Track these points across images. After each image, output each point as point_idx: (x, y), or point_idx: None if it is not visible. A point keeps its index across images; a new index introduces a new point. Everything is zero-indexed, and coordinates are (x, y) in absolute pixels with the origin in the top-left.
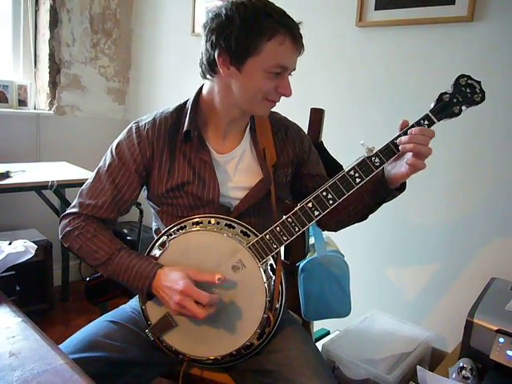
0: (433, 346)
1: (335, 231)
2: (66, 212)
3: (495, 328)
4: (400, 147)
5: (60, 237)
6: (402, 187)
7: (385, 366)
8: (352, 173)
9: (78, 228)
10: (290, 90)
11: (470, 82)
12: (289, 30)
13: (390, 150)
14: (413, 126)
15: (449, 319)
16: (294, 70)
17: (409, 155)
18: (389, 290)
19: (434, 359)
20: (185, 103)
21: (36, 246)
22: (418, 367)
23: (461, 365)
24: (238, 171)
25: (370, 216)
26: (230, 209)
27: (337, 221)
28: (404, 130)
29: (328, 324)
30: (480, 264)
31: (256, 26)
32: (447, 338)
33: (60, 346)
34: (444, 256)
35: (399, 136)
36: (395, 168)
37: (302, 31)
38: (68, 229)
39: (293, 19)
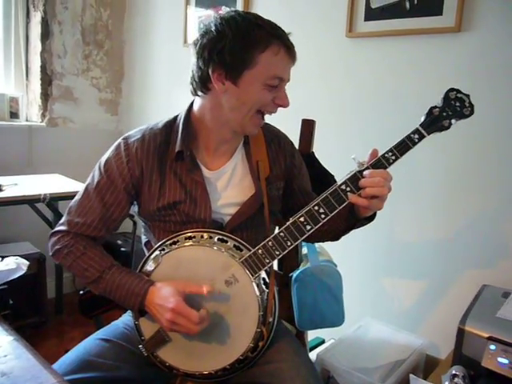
0: (427, 354)
1: (312, 243)
2: (55, 230)
3: (486, 335)
4: (361, 192)
5: (50, 254)
6: (371, 217)
7: (379, 374)
8: (343, 187)
9: (67, 246)
10: (287, 101)
11: (459, 95)
12: (282, 40)
13: (381, 164)
14: (403, 141)
15: (442, 326)
16: (289, 80)
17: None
18: (383, 298)
19: (429, 366)
20: (174, 119)
21: (28, 263)
22: (411, 375)
23: (453, 372)
24: (229, 186)
25: (365, 226)
26: (223, 224)
27: (308, 237)
28: (394, 145)
29: (323, 333)
30: (472, 271)
31: (249, 37)
32: (441, 345)
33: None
34: (437, 264)
35: (390, 150)
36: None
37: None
38: (57, 247)
39: (283, 30)
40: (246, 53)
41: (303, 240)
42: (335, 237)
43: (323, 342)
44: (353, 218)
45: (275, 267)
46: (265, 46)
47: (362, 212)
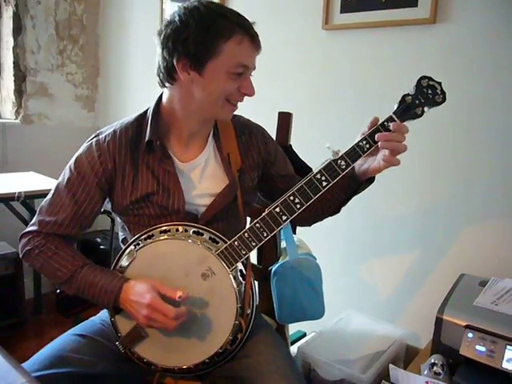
0: (407, 344)
1: (309, 225)
2: (25, 230)
3: (464, 323)
4: (379, 144)
5: (20, 256)
6: (371, 179)
7: (359, 365)
8: (318, 176)
9: (38, 246)
10: (252, 90)
11: (431, 83)
12: (245, 29)
13: (356, 153)
14: (377, 129)
15: (422, 316)
16: (254, 69)
17: (384, 151)
18: (364, 290)
19: (409, 356)
20: (145, 112)
21: None
22: (391, 365)
23: (432, 361)
24: (203, 178)
25: (343, 217)
26: (197, 216)
27: (310, 216)
28: (372, 130)
29: (304, 326)
30: (451, 260)
31: (212, 27)
32: (421, 335)
33: (26, 363)
34: (416, 254)
35: (364, 138)
36: (367, 163)
37: (258, 31)
38: (28, 248)
39: (247, 19)
40: (210, 43)
41: (298, 224)
42: (336, 210)
43: (305, 335)
44: (355, 184)
45: (254, 261)
46: (228, 35)
47: (371, 172)
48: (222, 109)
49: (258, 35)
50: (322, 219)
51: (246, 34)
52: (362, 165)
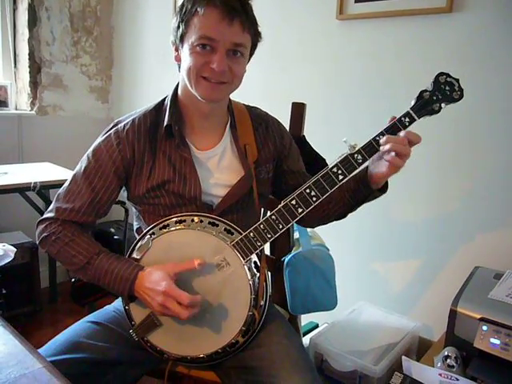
0: (420, 336)
1: (312, 227)
2: (43, 217)
3: (478, 316)
4: (380, 147)
5: (37, 242)
6: (383, 188)
7: (372, 357)
8: (335, 170)
9: (54, 233)
10: (218, 65)
11: (449, 79)
12: (212, 1)
13: (372, 147)
14: (394, 124)
15: (435, 308)
16: (240, 45)
17: (390, 153)
18: (377, 281)
19: (422, 348)
20: (163, 100)
21: (15, 249)
22: (403, 357)
23: (445, 354)
24: (219, 169)
25: (356, 210)
26: (213, 206)
27: (314, 218)
28: (389, 125)
29: (317, 317)
30: (465, 253)
31: (188, 5)
32: (434, 327)
33: (41, 348)
34: (429, 246)
35: (381, 133)
36: (377, 167)
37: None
38: (45, 234)
39: None
40: (183, 19)
41: (302, 225)
42: (342, 215)
43: (317, 326)
44: (366, 191)
45: (267, 252)
46: (195, 10)
47: (380, 176)
48: (197, 85)
49: (231, 6)
50: (326, 223)
51: (210, 5)
52: (373, 170)
